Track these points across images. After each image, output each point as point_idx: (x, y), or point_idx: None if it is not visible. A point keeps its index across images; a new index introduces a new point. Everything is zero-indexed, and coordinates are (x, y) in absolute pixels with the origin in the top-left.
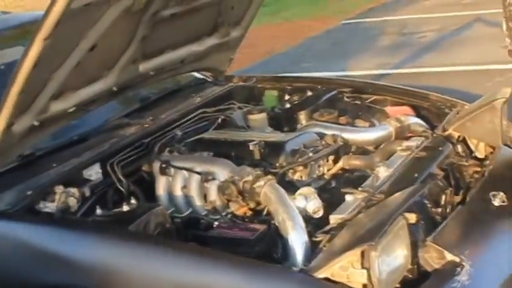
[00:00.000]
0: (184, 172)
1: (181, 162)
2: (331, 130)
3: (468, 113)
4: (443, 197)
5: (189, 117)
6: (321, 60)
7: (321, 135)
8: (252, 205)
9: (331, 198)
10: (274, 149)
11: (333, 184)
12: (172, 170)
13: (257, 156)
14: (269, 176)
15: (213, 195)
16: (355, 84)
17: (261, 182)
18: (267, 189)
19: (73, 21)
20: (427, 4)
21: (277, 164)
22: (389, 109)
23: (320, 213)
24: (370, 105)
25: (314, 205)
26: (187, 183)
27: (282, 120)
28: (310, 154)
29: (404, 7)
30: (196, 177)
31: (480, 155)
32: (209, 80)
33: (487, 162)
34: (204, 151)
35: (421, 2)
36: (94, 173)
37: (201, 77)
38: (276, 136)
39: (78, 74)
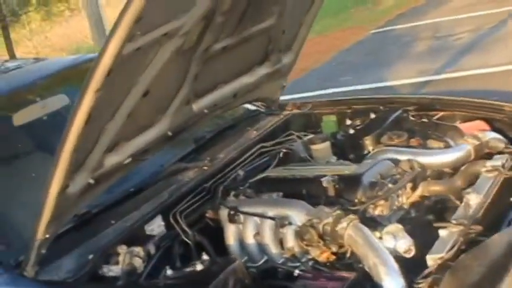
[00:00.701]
0: (256, 218)
1: (250, 207)
2: (405, 155)
3: None
4: None
5: (248, 154)
6: (357, 72)
7: (396, 162)
8: (334, 249)
9: (417, 231)
10: (350, 183)
11: (414, 214)
12: (241, 216)
13: (331, 193)
14: (351, 216)
15: (291, 241)
16: (419, 101)
17: (344, 224)
18: (351, 231)
19: (125, 68)
20: (454, 5)
21: (356, 200)
22: (461, 126)
23: (412, 253)
24: (440, 123)
25: (405, 244)
26: (260, 230)
27: (347, 148)
28: (390, 185)
29: (433, 10)
30: (269, 223)
31: None
32: (262, 110)
33: None
34: (271, 191)
35: (448, 3)
36: (156, 226)
37: (254, 108)
38: (348, 168)
39: (131, 123)
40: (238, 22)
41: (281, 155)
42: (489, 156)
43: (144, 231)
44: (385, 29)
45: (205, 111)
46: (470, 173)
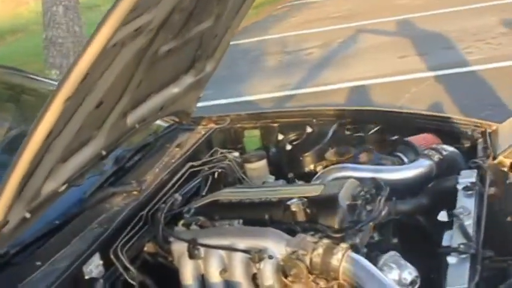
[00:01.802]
0: (221, 252)
1: (212, 238)
2: (363, 172)
3: None
4: None
5: (179, 175)
6: (216, 86)
7: (360, 181)
8: (322, 284)
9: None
10: (325, 206)
11: (381, 238)
12: (201, 250)
13: (302, 218)
14: (343, 245)
15: (270, 278)
16: (354, 113)
17: (338, 255)
18: (348, 263)
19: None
20: (294, 21)
21: (336, 226)
22: (409, 139)
23: (417, 284)
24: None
25: (410, 274)
26: (228, 266)
27: (284, 166)
28: (368, 207)
29: (276, 25)
30: (240, 257)
31: None
32: (176, 125)
33: None
34: (226, 218)
35: (287, 19)
36: (94, 267)
37: (165, 123)
38: (314, 189)
39: (72, 141)
40: (185, 22)
41: (216, 175)
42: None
43: (83, 274)
44: (232, 43)
45: (136, 125)
46: (440, 190)
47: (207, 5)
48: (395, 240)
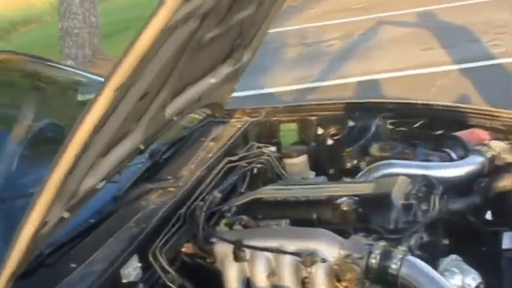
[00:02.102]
0: (268, 254)
1: (259, 240)
2: (413, 169)
3: None
4: None
5: (216, 170)
6: None
7: (410, 178)
8: None
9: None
10: (378, 206)
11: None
12: (247, 252)
13: (352, 218)
14: (401, 248)
15: (322, 283)
16: (397, 106)
17: (397, 259)
18: (407, 268)
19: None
20: (313, 12)
21: (391, 227)
22: (457, 133)
23: None
24: (439, 133)
25: (474, 280)
26: (276, 269)
27: (325, 161)
28: (423, 207)
29: (293, 17)
30: (289, 261)
31: None
32: (210, 118)
33: None
34: (270, 218)
35: (306, 11)
36: (132, 269)
37: (198, 116)
38: (364, 187)
39: (112, 135)
40: (229, 8)
41: (254, 171)
42: (499, 169)
43: (121, 277)
44: None
45: (174, 118)
46: (495, 190)
47: None
48: (445, 241)
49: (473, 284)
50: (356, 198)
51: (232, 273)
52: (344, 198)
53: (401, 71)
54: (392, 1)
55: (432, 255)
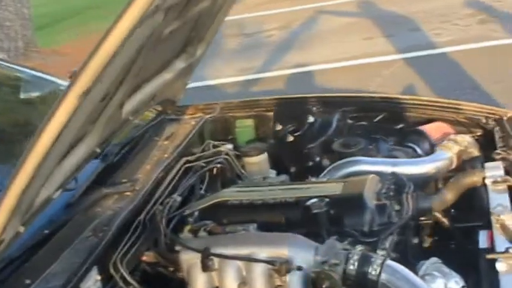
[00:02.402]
0: (238, 262)
1: (227, 247)
2: (380, 166)
3: None
4: None
5: (174, 172)
6: None
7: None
8: None
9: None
10: (351, 207)
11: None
12: (215, 261)
13: (324, 221)
14: (380, 252)
15: None
16: (357, 100)
17: (376, 264)
18: (388, 274)
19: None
20: (250, 2)
21: (365, 230)
22: (422, 128)
23: None
24: (404, 127)
25: (457, 284)
26: (248, 279)
27: (287, 159)
28: (396, 207)
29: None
30: (261, 269)
31: None
32: (162, 116)
33: None
34: (237, 222)
35: (244, 0)
36: (92, 283)
37: (150, 113)
38: (333, 187)
39: (69, 141)
40: (188, 0)
41: (214, 171)
42: (466, 164)
43: None
44: None
45: (130, 117)
46: (465, 185)
47: None
48: (415, 241)
49: (456, 287)
50: (327, 199)
51: (199, 284)
52: (314, 200)
53: (345, 61)
54: None
55: (409, 257)
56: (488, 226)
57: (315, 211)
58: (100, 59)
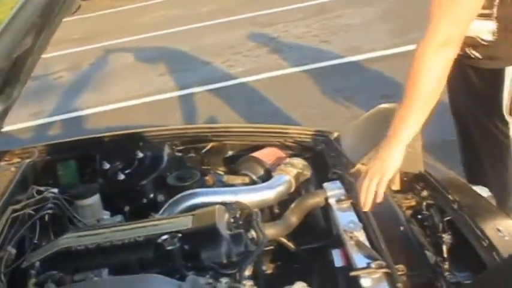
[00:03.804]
0: None
1: None
2: (220, 196)
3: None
4: None
5: (2, 223)
6: None
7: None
8: None
9: None
10: (205, 240)
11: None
12: None
13: (179, 257)
14: (248, 282)
15: None
16: (183, 131)
17: None
18: None
19: None
20: None
21: (223, 261)
22: (254, 154)
23: None
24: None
25: None
26: None
27: (119, 198)
28: (252, 235)
29: None
30: None
31: (395, 187)
32: None
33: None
34: (84, 269)
35: None
36: None
37: None
38: (180, 222)
39: None
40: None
41: (46, 218)
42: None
43: None
44: None
45: None
46: (308, 207)
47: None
48: (264, 267)
49: None
50: (179, 234)
51: None
52: (165, 237)
53: (141, 98)
54: (114, 29)
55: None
56: (337, 244)
57: (169, 248)
58: None
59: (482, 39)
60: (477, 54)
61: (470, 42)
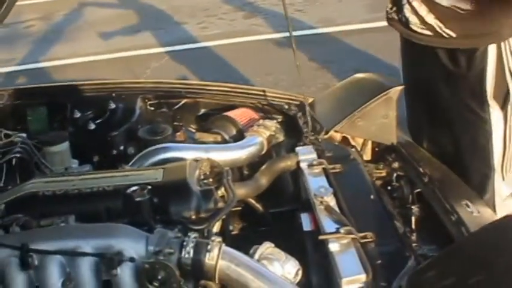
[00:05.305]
0: (60, 258)
1: (49, 242)
2: (192, 152)
3: (354, 109)
4: None
5: None
6: None
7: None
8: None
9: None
10: (175, 193)
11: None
12: (35, 257)
13: (148, 209)
14: (217, 239)
15: (130, 285)
16: (157, 86)
17: (214, 251)
18: (225, 259)
19: None
20: None
21: (193, 216)
22: (228, 113)
23: (299, 277)
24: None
25: (293, 267)
26: (74, 274)
27: (88, 148)
28: (222, 193)
29: None
30: (88, 263)
31: (366, 157)
32: None
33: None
34: (52, 214)
35: None
36: None
37: None
38: (151, 174)
39: None
40: None
41: (14, 162)
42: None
43: None
44: None
45: None
46: (279, 170)
47: None
48: (231, 227)
49: (293, 270)
50: (148, 187)
51: (18, 284)
52: (135, 188)
53: (112, 53)
54: None
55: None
56: (307, 209)
57: (138, 199)
58: None
59: (459, 8)
60: (450, 32)
61: (443, 15)
